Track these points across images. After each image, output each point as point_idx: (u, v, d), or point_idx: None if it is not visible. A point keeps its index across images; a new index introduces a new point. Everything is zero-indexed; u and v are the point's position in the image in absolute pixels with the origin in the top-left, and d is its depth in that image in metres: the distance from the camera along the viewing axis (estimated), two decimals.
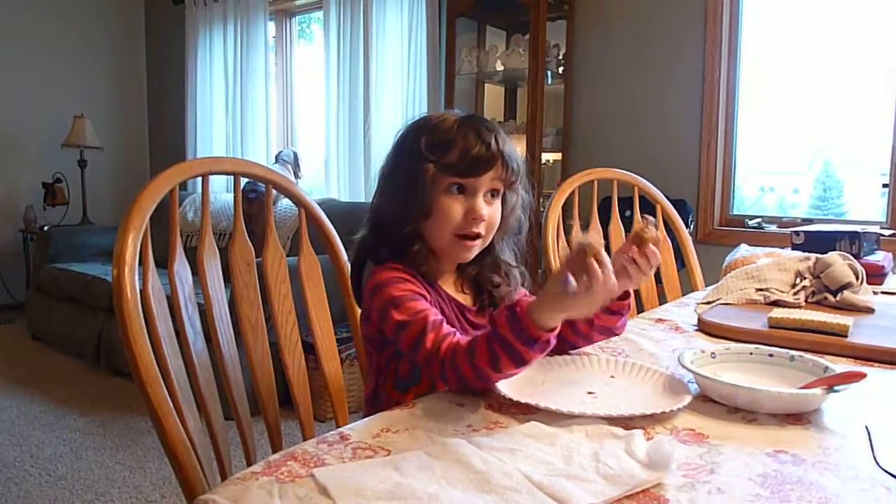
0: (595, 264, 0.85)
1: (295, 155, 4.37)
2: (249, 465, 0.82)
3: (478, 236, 1.08)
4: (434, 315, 0.99)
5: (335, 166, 4.24)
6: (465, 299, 1.15)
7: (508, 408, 0.87)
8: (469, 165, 1.05)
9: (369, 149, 4.03)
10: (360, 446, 0.76)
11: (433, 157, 1.06)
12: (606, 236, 1.83)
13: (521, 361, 0.88)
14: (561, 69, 3.59)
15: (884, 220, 2.86)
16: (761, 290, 1.51)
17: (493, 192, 1.09)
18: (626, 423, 0.81)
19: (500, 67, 3.77)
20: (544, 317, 0.86)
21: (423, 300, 1.03)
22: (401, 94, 3.94)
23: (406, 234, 1.08)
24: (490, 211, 1.09)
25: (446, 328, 0.97)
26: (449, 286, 1.14)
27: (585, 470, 0.69)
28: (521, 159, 1.12)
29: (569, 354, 1.09)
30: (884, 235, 1.97)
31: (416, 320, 0.98)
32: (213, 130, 4.93)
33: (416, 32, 3.85)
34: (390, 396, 1.10)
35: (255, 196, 3.26)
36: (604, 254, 0.87)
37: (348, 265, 1.32)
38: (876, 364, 1.09)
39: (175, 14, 5.14)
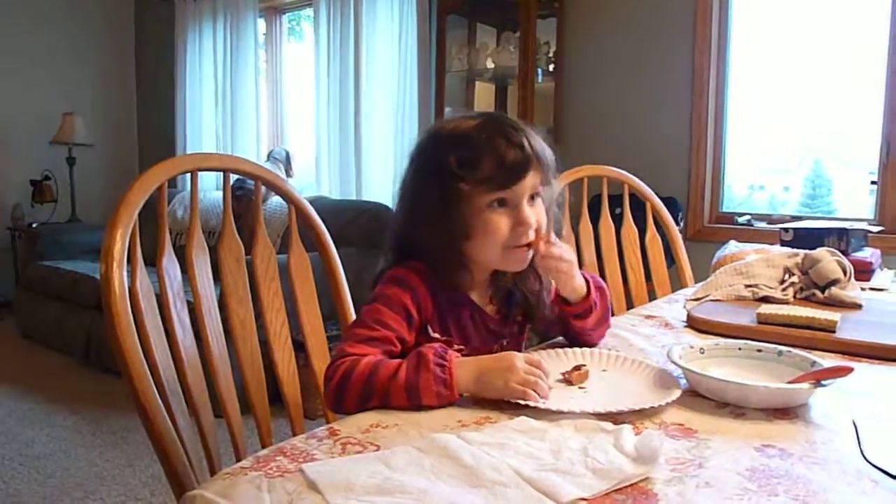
0: (537, 390, 0.86)
1: (287, 154, 4.36)
2: (239, 462, 0.82)
3: (530, 245, 1.03)
4: (385, 335, 0.97)
5: (325, 164, 4.23)
6: (490, 309, 1.11)
7: (498, 403, 0.87)
8: (507, 176, 0.99)
9: (360, 146, 4.03)
10: (349, 441, 0.76)
11: (465, 174, 0.99)
12: (597, 234, 1.83)
13: (414, 394, 0.86)
14: (551, 67, 3.60)
15: (872, 217, 2.88)
16: (750, 286, 1.52)
17: (535, 195, 1.03)
18: (615, 417, 0.81)
19: (490, 65, 3.77)
20: (464, 382, 0.87)
21: (401, 319, 1.00)
22: (391, 91, 3.94)
23: (445, 258, 1.03)
24: (536, 215, 1.03)
25: (374, 350, 0.95)
26: (476, 294, 1.10)
27: (574, 464, 0.69)
28: (551, 150, 1.06)
29: (561, 348, 1.09)
30: (872, 232, 1.98)
31: (368, 325, 0.98)
32: (202, 127, 4.91)
33: (406, 30, 3.85)
34: None
35: (243, 193, 3.25)
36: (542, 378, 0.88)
37: (338, 262, 1.32)
38: (863, 359, 1.10)
39: (164, 11, 5.12)
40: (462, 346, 1.06)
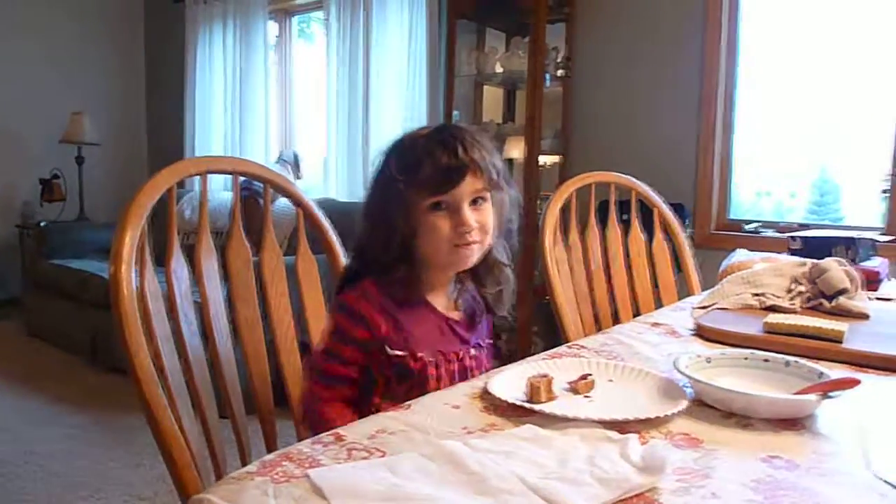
0: None
1: (295, 156, 4.37)
2: (244, 464, 0.82)
3: (473, 242, 1.08)
4: (344, 373, 1.10)
5: (334, 166, 4.24)
6: (457, 315, 1.16)
7: (504, 410, 0.87)
8: (441, 181, 1.04)
9: (368, 149, 4.03)
10: (355, 447, 0.76)
11: (403, 177, 1.05)
12: (604, 240, 1.83)
13: None
14: (560, 72, 3.60)
15: (880, 225, 2.87)
16: (757, 294, 1.51)
17: (479, 199, 1.08)
18: (622, 426, 0.81)
19: (499, 69, 3.78)
20: None
21: (354, 349, 1.09)
22: (400, 94, 3.94)
23: (392, 259, 1.08)
24: (479, 216, 1.08)
25: (337, 393, 1.10)
26: (440, 301, 1.14)
27: (580, 473, 0.69)
28: (499, 159, 1.11)
29: (567, 357, 1.09)
30: (880, 241, 1.97)
31: (329, 360, 1.10)
32: (211, 129, 4.92)
33: (416, 34, 3.86)
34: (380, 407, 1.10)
35: (249, 194, 3.24)
36: None
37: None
38: (871, 370, 1.09)
39: (175, 12, 5.14)
40: (422, 355, 1.10)
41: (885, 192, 2.88)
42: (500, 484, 0.66)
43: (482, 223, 1.08)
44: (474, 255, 1.10)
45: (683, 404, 0.87)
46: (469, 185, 1.06)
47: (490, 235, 1.11)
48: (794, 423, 0.84)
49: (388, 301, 1.08)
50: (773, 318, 1.28)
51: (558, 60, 3.59)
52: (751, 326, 1.29)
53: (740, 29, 3.20)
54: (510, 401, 0.87)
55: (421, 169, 1.04)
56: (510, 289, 1.19)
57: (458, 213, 1.06)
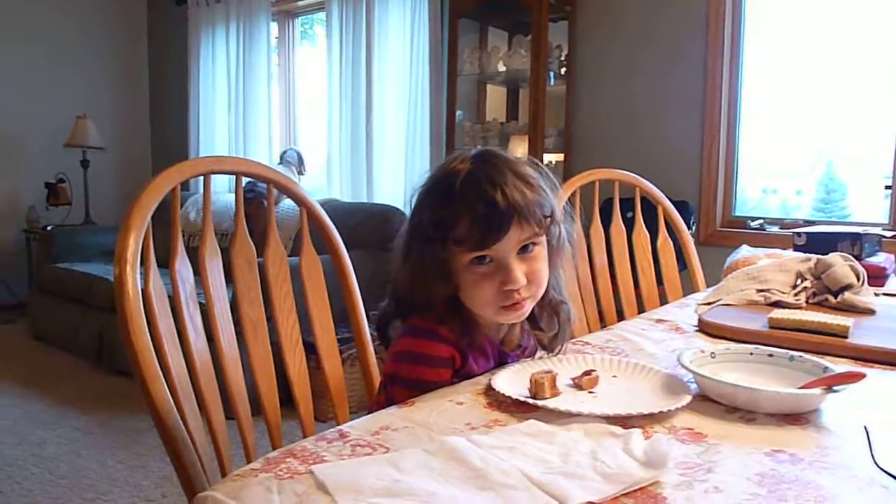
0: None
1: (299, 155, 4.38)
2: (249, 463, 0.83)
3: (522, 300, 0.98)
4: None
5: (337, 166, 4.25)
6: (508, 347, 1.10)
7: (507, 406, 0.88)
8: (481, 236, 0.92)
9: (371, 149, 4.04)
10: (358, 443, 0.77)
11: (441, 234, 0.94)
12: (608, 237, 1.83)
13: None
14: (563, 70, 3.60)
15: (886, 221, 2.86)
16: (762, 290, 1.51)
17: (529, 245, 0.96)
18: (625, 422, 0.81)
19: (501, 68, 3.78)
20: None
21: (446, 370, 0.99)
22: (403, 94, 3.95)
23: (438, 312, 0.99)
24: (529, 268, 0.96)
25: None
26: (491, 330, 1.07)
27: (583, 468, 0.69)
28: (550, 191, 0.99)
29: (571, 354, 1.09)
30: (885, 237, 1.96)
31: (406, 393, 0.95)
32: (215, 130, 4.94)
33: (418, 33, 3.86)
34: None
35: (254, 195, 3.27)
36: None
37: (349, 264, 1.33)
38: (875, 365, 1.09)
39: (177, 14, 5.15)
40: None
41: (888, 188, 2.87)
42: (503, 479, 0.66)
43: (532, 275, 0.97)
44: (525, 312, 1.00)
45: (687, 399, 0.87)
46: (515, 237, 0.94)
47: (542, 286, 1.00)
48: (798, 417, 0.84)
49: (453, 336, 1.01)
50: (778, 313, 1.28)
51: (561, 59, 3.59)
52: (755, 322, 1.29)
53: (744, 25, 3.19)
54: (514, 397, 0.88)
55: (458, 223, 0.93)
56: (570, 327, 1.10)
57: (505, 269, 0.94)
